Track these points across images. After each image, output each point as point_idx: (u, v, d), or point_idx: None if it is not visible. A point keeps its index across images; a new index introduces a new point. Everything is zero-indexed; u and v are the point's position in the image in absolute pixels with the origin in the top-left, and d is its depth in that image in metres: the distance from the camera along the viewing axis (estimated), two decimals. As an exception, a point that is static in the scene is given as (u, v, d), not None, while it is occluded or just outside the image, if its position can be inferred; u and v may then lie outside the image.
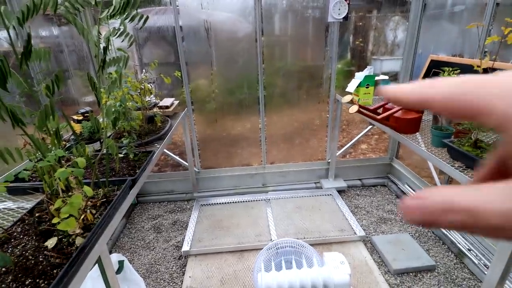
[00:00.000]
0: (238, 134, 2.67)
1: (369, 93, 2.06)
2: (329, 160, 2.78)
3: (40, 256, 0.79)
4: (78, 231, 0.85)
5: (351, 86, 2.09)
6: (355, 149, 2.91)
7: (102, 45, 0.92)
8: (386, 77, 2.15)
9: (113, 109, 1.06)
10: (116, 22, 0.97)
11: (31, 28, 0.70)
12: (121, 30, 0.95)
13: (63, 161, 0.93)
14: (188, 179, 2.67)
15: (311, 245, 1.57)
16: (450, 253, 1.98)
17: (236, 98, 2.53)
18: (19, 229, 0.90)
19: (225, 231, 2.25)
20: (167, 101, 2.21)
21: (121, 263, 1.46)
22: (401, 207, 0.17)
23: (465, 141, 1.33)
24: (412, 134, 1.64)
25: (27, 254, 0.80)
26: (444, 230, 2.09)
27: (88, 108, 1.88)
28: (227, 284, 1.82)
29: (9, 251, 0.82)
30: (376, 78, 2.07)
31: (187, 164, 2.60)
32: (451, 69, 1.50)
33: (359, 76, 2.04)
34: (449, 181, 2.20)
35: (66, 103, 2.23)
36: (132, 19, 0.94)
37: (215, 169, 2.75)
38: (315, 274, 1.33)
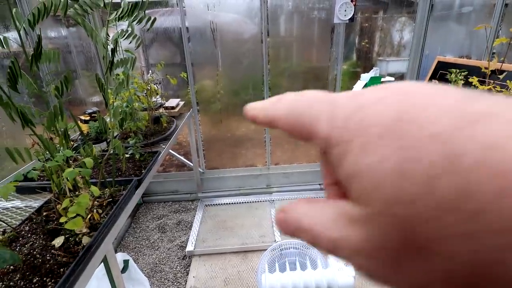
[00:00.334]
0: (243, 134, 2.67)
1: (375, 95, 2.04)
2: (334, 162, 2.77)
3: (48, 255, 0.80)
4: (84, 230, 0.86)
5: (357, 88, 2.08)
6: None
7: (110, 47, 0.93)
8: (392, 79, 2.14)
9: (120, 110, 1.07)
10: (123, 24, 0.98)
11: (41, 29, 0.71)
12: (129, 32, 0.96)
13: (70, 161, 0.94)
14: (192, 179, 2.68)
15: (316, 247, 1.56)
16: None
17: (241, 99, 2.54)
18: (27, 228, 0.92)
19: (229, 232, 2.25)
20: (172, 102, 2.22)
21: (126, 262, 1.47)
22: (275, 217, 0.17)
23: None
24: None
25: (34, 252, 0.81)
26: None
27: (95, 109, 1.90)
28: (231, 285, 1.83)
29: (17, 249, 0.83)
30: (382, 79, 2.06)
31: (192, 164, 2.61)
32: (458, 70, 1.49)
33: (364, 78, 2.03)
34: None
35: (74, 103, 2.25)
36: (140, 21, 0.95)
37: (220, 170, 2.75)
38: (319, 276, 1.33)
